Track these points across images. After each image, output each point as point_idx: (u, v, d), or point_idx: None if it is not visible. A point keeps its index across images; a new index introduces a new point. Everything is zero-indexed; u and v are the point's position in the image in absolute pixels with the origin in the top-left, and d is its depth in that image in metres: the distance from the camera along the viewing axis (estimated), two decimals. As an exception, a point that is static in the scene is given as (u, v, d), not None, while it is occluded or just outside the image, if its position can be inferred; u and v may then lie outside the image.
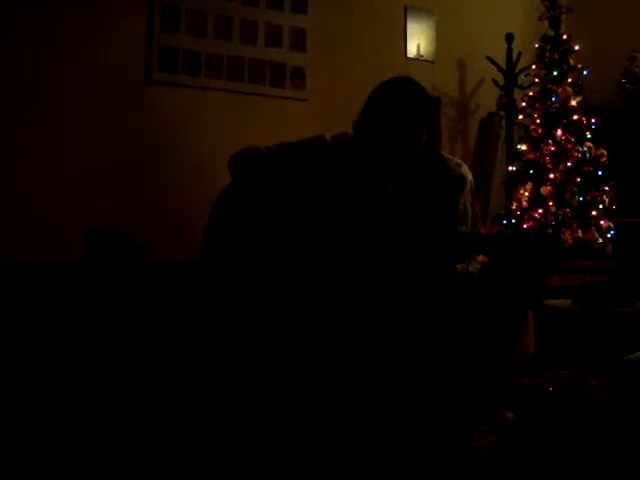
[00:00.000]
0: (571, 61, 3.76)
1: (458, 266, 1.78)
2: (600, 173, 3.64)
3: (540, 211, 3.56)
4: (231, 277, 1.81)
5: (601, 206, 3.59)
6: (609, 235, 3.57)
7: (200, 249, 1.88)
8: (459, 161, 1.93)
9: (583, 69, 3.76)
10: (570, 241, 3.51)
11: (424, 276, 1.75)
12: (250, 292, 1.79)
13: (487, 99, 4.15)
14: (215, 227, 1.87)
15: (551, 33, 3.81)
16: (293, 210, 1.82)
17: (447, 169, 1.86)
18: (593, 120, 3.69)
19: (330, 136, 1.89)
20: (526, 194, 3.68)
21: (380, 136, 1.73)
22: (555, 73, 3.74)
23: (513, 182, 3.81)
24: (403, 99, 1.72)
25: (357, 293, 1.73)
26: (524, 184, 3.71)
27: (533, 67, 3.84)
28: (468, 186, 1.87)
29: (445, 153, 1.94)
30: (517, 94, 3.99)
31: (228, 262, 1.81)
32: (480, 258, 1.85)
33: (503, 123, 4.08)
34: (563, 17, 3.89)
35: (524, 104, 3.83)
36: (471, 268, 1.81)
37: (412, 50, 3.96)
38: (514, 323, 1.75)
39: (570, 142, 3.62)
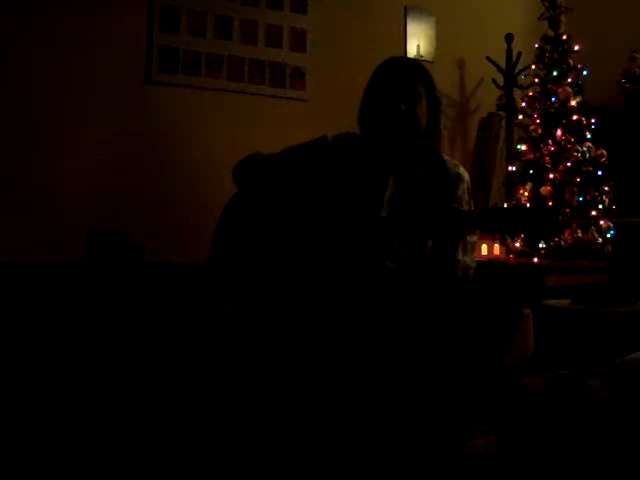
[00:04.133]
0: (571, 61, 3.76)
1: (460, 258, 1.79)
2: (600, 173, 3.65)
3: (540, 211, 3.56)
4: (241, 280, 1.83)
5: (601, 206, 3.60)
6: (609, 235, 3.57)
7: (209, 257, 1.89)
8: (457, 162, 1.97)
9: (583, 69, 3.76)
10: (570, 241, 3.51)
11: (423, 270, 1.76)
12: (254, 293, 1.80)
13: (487, 99, 4.15)
14: (224, 236, 1.88)
15: (551, 33, 3.81)
16: (298, 211, 1.85)
17: (445, 167, 1.88)
18: (593, 120, 3.69)
19: (331, 135, 1.94)
20: (526, 194, 3.69)
21: (381, 106, 1.83)
22: (555, 73, 3.74)
23: (513, 182, 3.81)
24: (398, 65, 1.91)
25: (357, 288, 1.73)
26: (524, 184, 3.72)
27: (533, 67, 3.84)
28: (465, 185, 1.90)
29: (443, 155, 1.96)
30: (517, 94, 3.99)
31: (238, 267, 1.83)
32: (476, 237, 1.86)
33: (503, 123, 4.07)
34: (563, 17, 3.88)
35: (524, 104, 3.83)
36: (469, 261, 1.82)
37: (412, 50, 3.95)
38: (510, 321, 1.76)
39: (570, 142, 3.63)
